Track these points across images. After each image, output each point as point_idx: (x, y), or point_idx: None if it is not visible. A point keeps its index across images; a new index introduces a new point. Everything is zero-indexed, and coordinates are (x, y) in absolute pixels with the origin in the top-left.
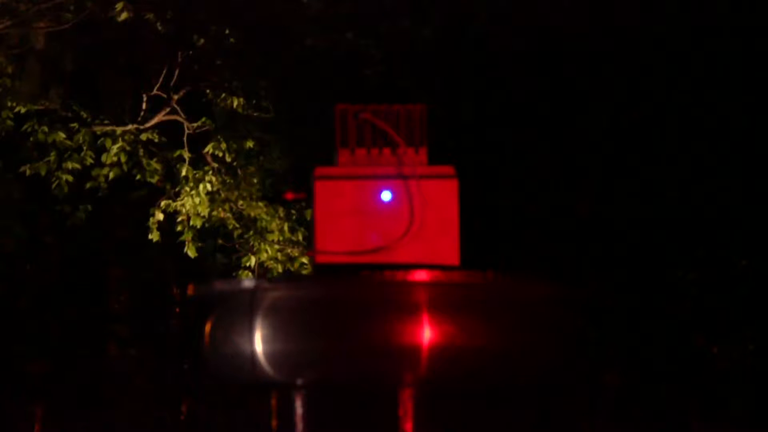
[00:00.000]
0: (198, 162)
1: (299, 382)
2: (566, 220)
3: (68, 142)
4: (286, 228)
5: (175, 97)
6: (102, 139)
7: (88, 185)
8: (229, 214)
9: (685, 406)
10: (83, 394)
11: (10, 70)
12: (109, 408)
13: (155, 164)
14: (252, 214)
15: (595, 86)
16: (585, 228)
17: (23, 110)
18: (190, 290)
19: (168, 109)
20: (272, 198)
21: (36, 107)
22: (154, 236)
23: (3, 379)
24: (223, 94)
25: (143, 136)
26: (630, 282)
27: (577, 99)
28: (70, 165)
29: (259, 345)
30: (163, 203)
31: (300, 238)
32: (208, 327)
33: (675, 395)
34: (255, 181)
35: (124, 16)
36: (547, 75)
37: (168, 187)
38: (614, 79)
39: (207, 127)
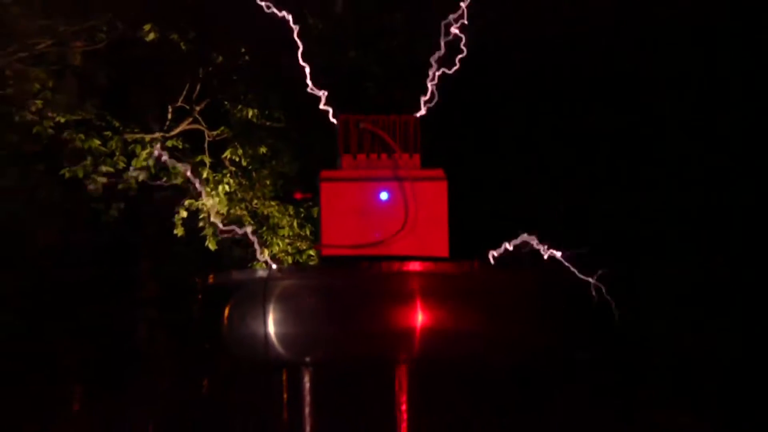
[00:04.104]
0: (217, 166)
1: (307, 360)
2: (552, 216)
3: (102, 149)
4: (295, 224)
5: (197, 108)
6: (132, 145)
7: (120, 186)
8: (244, 212)
9: (676, 400)
10: (115, 373)
11: (50, 84)
12: (138, 384)
13: (180, 167)
14: (265, 212)
15: (589, 89)
16: (576, 224)
17: (62, 120)
18: (211, 279)
19: (190, 119)
20: (283, 198)
21: (73, 117)
22: (178, 231)
23: (44, 361)
24: (240, 106)
25: (169, 143)
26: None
27: (571, 101)
28: (104, 168)
29: (271, 328)
30: (186, 202)
31: (308, 233)
32: (226, 312)
33: (663, 388)
34: (268, 182)
35: (151, 36)
36: (538, 77)
37: (191, 188)
38: (609, 82)
39: (225, 135)
